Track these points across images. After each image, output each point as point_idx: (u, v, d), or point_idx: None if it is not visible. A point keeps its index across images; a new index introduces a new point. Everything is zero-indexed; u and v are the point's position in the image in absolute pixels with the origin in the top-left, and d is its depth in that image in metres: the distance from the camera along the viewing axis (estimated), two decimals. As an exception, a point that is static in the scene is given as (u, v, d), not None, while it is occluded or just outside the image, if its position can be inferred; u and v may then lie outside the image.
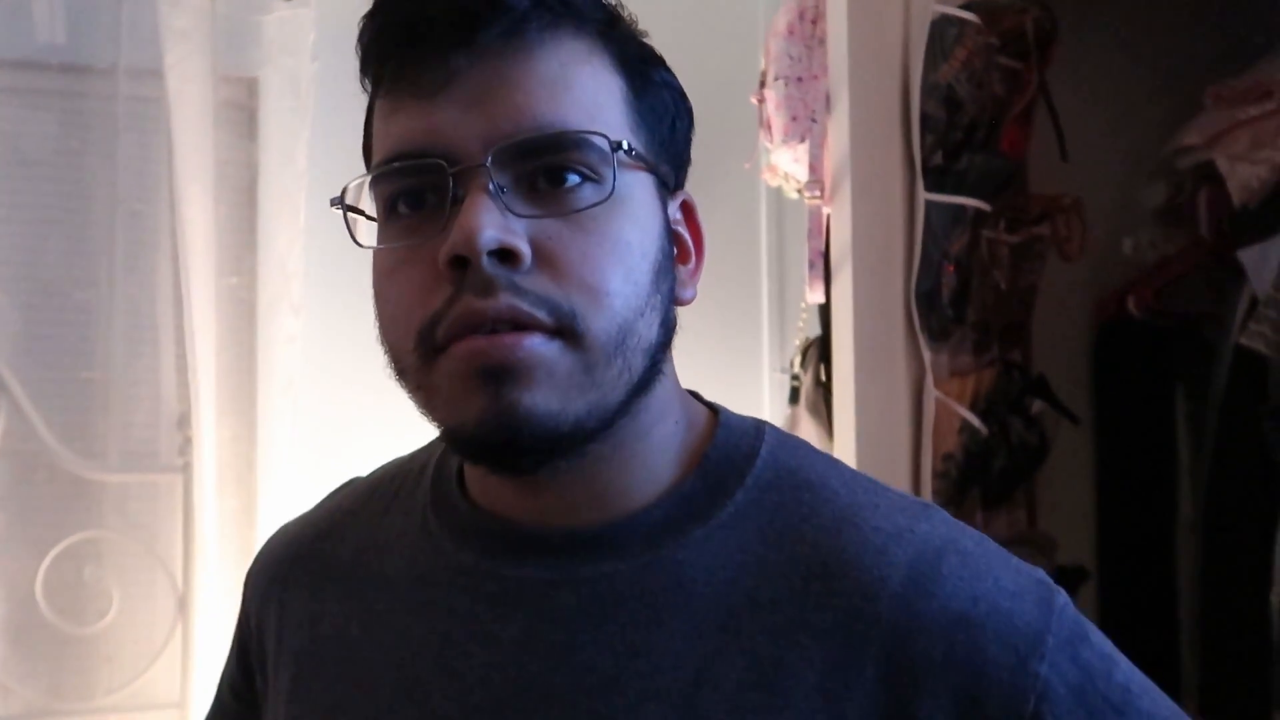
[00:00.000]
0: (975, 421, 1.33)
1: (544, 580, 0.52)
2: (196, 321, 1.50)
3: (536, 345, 0.46)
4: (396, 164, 0.49)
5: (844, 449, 1.24)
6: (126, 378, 1.54)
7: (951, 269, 1.33)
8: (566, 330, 0.47)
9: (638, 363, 0.49)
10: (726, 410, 0.57)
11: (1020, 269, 1.50)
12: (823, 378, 1.38)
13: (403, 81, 0.49)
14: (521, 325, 0.46)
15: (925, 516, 0.53)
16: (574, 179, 0.48)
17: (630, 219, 0.49)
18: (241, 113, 1.60)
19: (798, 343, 1.47)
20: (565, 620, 0.51)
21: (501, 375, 0.46)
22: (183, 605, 1.49)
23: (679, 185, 0.56)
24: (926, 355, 1.28)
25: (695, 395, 0.58)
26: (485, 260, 0.46)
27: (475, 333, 0.47)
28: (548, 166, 0.48)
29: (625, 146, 0.49)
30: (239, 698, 0.64)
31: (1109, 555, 1.57)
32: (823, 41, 1.29)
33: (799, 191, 1.35)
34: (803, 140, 1.30)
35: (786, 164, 1.37)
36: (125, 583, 1.50)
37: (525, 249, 0.47)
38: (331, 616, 0.57)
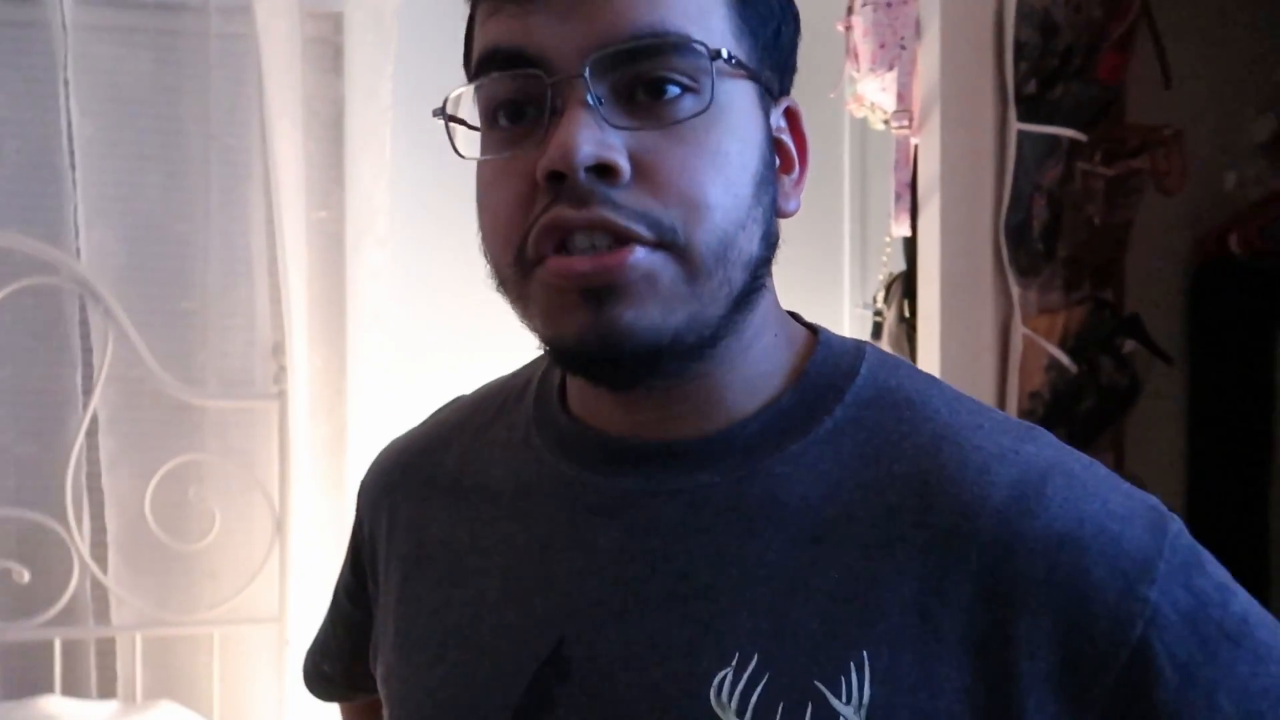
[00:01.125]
0: (1064, 359, 1.30)
1: (641, 491, 0.53)
2: (288, 253, 1.54)
3: (640, 259, 0.47)
4: (495, 73, 0.49)
5: (927, 384, 1.22)
6: (223, 308, 1.60)
7: (1043, 202, 1.29)
8: (667, 244, 0.47)
9: (738, 276, 0.49)
10: (827, 330, 0.57)
11: (1115, 203, 1.45)
12: (906, 314, 1.36)
13: None
14: (621, 239, 0.47)
15: (1031, 438, 0.52)
16: (674, 90, 0.47)
17: (730, 130, 0.49)
18: (327, 48, 1.63)
19: (881, 278, 1.45)
20: (661, 529, 0.52)
21: (603, 293, 0.47)
22: (279, 526, 1.56)
23: (784, 92, 0.54)
24: (1015, 291, 1.25)
25: (795, 316, 0.58)
26: (582, 176, 0.46)
27: (565, 247, 0.47)
28: (646, 76, 0.47)
29: (725, 55, 0.48)
30: (354, 601, 0.67)
31: (1199, 500, 1.53)
32: (914, -35, 1.25)
33: (886, 122, 1.32)
34: (891, 68, 1.27)
35: (873, 93, 1.33)
36: (226, 504, 1.57)
37: (624, 163, 0.46)
38: (438, 523, 0.60)
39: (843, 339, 0.57)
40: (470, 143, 0.52)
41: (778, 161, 0.53)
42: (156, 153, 1.60)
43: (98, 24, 1.56)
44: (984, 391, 1.25)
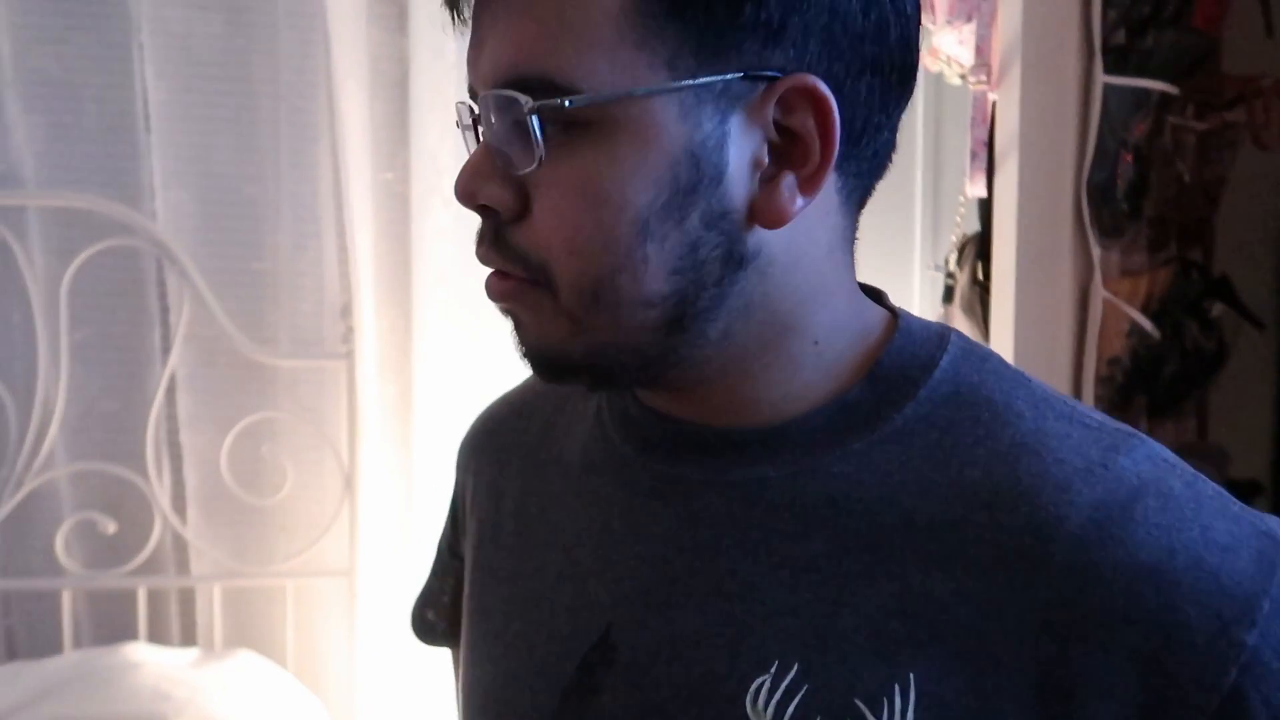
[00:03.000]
0: (1146, 324, 1.24)
1: (696, 479, 0.51)
2: (355, 215, 1.56)
3: (512, 290, 0.48)
4: (460, 101, 0.52)
5: (1000, 351, 1.18)
6: (293, 269, 1.62)
7: (1129, 158, 1.23)
8: (541, 281, 0.47)
9: (637, 315, 0.47)
10: (909, 315, 0.53)
11: (1208, 159, 1.38)
12: (980, 276, 1.31)
13: (457, 8, 0.50)
14: (504, 274, 0.48)
15: (1128, 449, 0.46)
16: (537, 130, 0.45)
17: (609, 165, 0.45)
18: (393, 6, 1.62)
19: (954, 238, 1.40)
20: (712, 521, 0.50)
21: (510, 315, 0.50)
22: (349, 482, 1.59)
23: (798, 64, 0.45)
24: (1096, 252, 1.20)
25: (875, 295, 0.54)
26: (477, 209, 0.48)
27: None
28: (518, 117, 0.45)
29: (567, 104, 0.44)
30: (453, 553, 0.68)
31: (1288, 471, 1.47)
32: (996, -92, 1.18)
33: (962, 77, 1.27)
34: (969, 20, 1.22)
35: (950, 46, 1.28)
36: (298, 460, 1.61)
37: (505, 202, 0.47)
38: (513, 492, 0.60)
39: (926, 325, 0.52)
40: None
41: (766, 162, 0.47)
42: (228, 115, 1.62)
43: (171, -13, 1.58)
44: (1060, 356, 1.21)
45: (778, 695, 0.46)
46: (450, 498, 0.68)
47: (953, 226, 1.42)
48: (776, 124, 0.46)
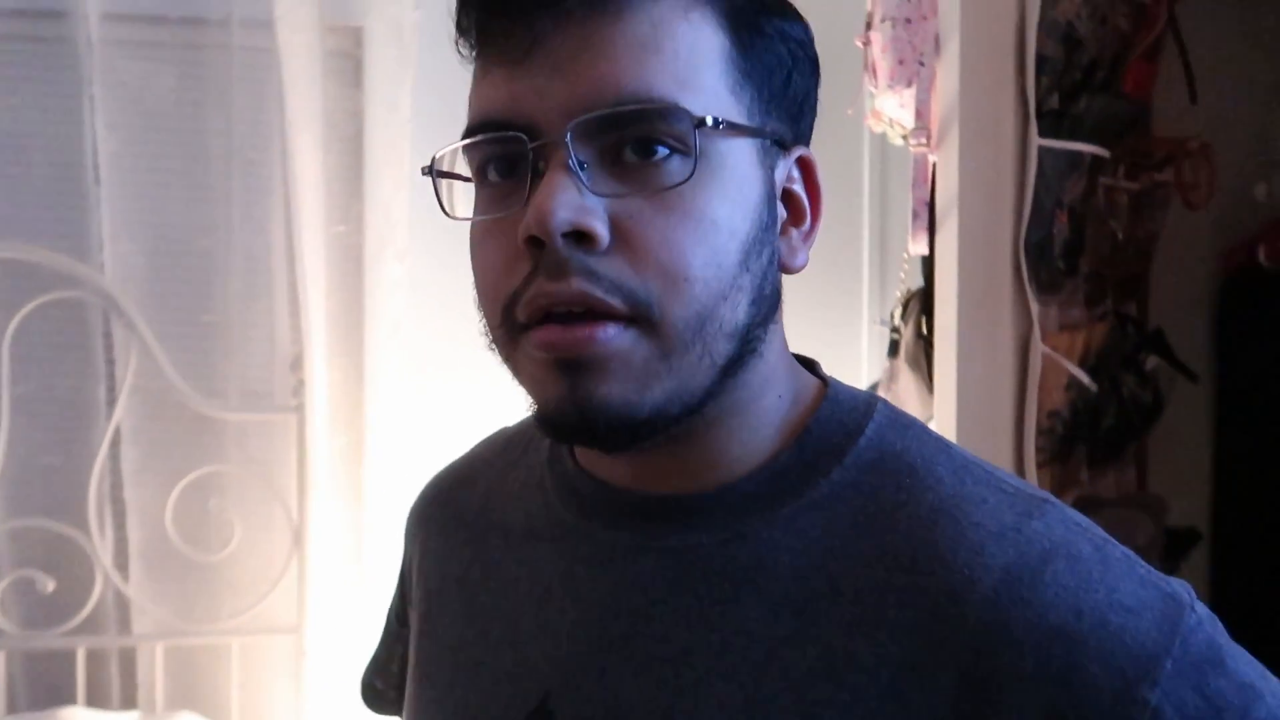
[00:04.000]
0: (1084, 378, 1.28)
1: (632, 545, 0.52)
2: (307, 267, 1.56)
3: (610, 337, 0.46)
4: (480, 135, 0.48)
5: (944, 404, 1.21)
6: (244, 321, 1.61)
7: (1065, 218, 1.27)
8: (642, 318, 0.46)
9: (721, 347, 0.47)
10: (838, 384, 0.55)
11: (1140, 217, 1.43)
12: (924, 330, 1.34)
13: (490, 46, 0.48)
14: (596, 313, 0.45)
15: (1040, 513, 0.48)
16: (663, 151, 0.46)
17: (721, 194, 0.47)
18: (348, 61, 1.64)
19: (899, 294, 1.44)
20: (646, 586, 0.51)
21: (576, 367, 0.46)
22: (298, 537, 1.57)
23: (799, 140, 0.52)
24: (1035, 308, 1.23)
25: (808, 364, 0.56)
26: (559, 242, 0.45)
27: (550, 318, 0.46)
28: (632, 137, 0.46)
29: (712, 121, 0.46)
30: (401, 622, 0.69)
31: (1224, 517, 1.51)
32: (934, -21, 1.23)
33: (904, 138, 1.31)
34: (910, 84, 1.26)
35: (892, 109, 1.32)
36: (246, 514, 1.58)
37: (601, 231, 0.45)
38: (458, 559, 0.60)
39: (854, 393, 0.54)
40: (466, 196, 0.52)
41: (784, 215, 0.51)
42: (180, 167, 1.62)
43: (122, 39, 1.58)
44: (1002, 409, 1.23)
45: None
46: (399, 568, 0.68)
47: (897, 282, 1.45)
48: (781, 188, 0.52)
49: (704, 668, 0.49)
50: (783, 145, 0.51)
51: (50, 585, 1.51)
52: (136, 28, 1.59)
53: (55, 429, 1.59)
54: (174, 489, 1.54)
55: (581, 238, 0.45)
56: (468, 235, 0.51)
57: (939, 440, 0.53)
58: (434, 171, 0.51)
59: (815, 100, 0.54)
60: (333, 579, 1.57)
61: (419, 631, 0.61)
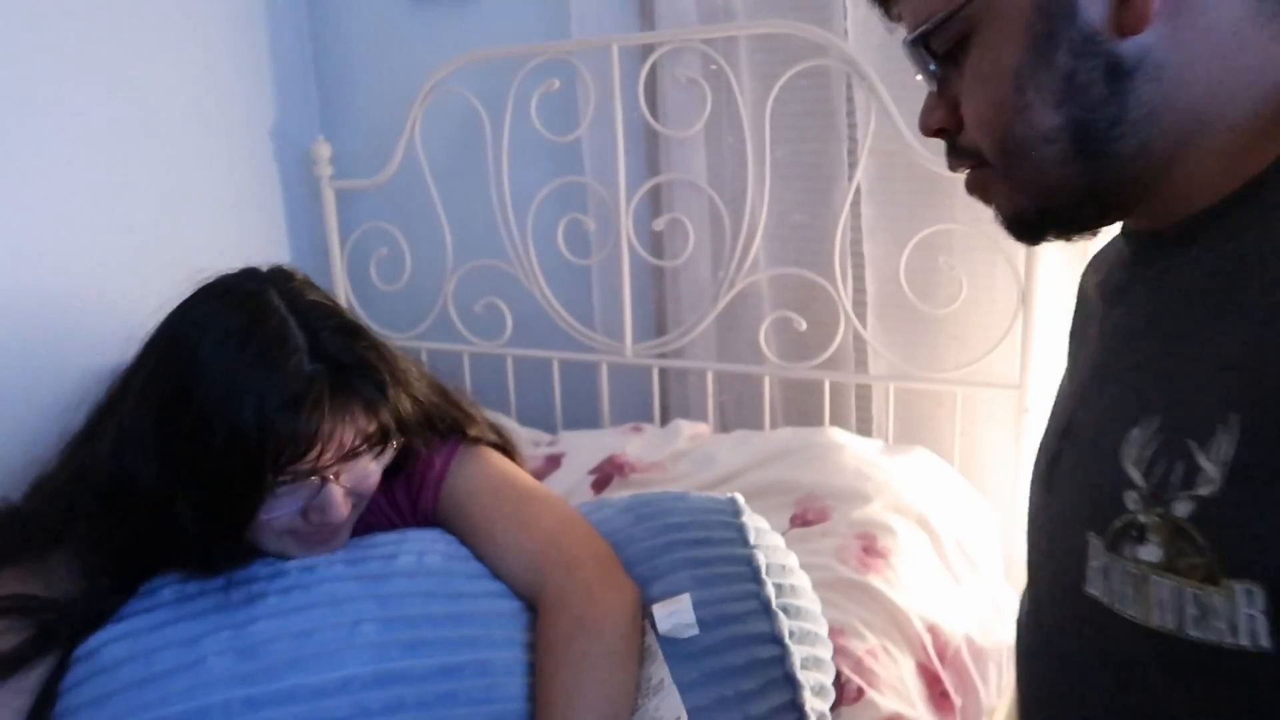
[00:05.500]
0: None
1: (1130, 280, 0.64)
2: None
3: (971, 181, 0.65)
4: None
5: None
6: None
7: None
8: (983, 160, 0.63)
9: (1043, 150, 0.58)
10: None
11: None
12: None
13: None
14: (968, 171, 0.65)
15: None
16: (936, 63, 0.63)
17: (986, 52, 0.59)
18: None
19: None
20: (1142, 311, 0.61)
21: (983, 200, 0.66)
22: (1024, 296, 1.58)
23: None
24: None
25: None
26: (935, 135, 0.66)
27: None
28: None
29: (932, 25, 0.62)
30: None
31: None
32: None
33: None
34: None
35: None
36: (973, 273, 1.63)
37: (949, 123, 0.64)
38: (1079, 315, 0.77)
39: None
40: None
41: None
42: None
43: None
44: None
45: (1141, 442, 0.56)
46: None
47: None
48: None
49: (1155, 370, 0.58)
50: None
51: (803, 325, 1.75)
52: None
53: (805, 189, 1.78)
54: (907, 245, 1.64)
55: (941, 130, 0.69)
56: None
57: None
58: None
59: None
60: (1055, 340, 1.56)
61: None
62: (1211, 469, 0.50)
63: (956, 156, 0.65)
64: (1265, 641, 0.49)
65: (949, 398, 1.70)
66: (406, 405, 1.00)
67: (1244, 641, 0.50)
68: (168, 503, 0.89)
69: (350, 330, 0.96)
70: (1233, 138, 0.55)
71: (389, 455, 1.00)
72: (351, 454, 0.94)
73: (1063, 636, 0.63)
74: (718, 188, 1.80)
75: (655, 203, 1.87)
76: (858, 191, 1.70)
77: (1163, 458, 0.53)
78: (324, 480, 0.93)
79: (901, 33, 0.66)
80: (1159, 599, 0.53)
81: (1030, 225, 0.63)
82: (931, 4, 0.61)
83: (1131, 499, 0.55)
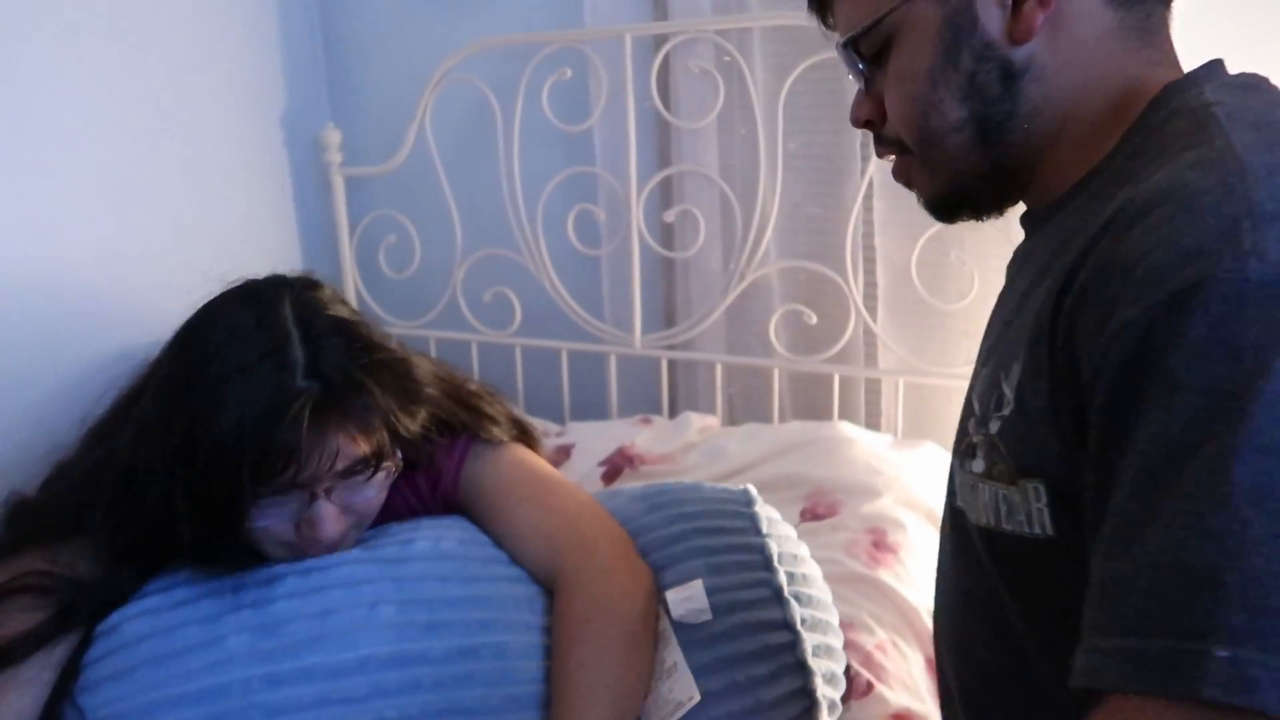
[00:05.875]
0: None
1: (1019, 255, 0.79)
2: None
3: (896, 166, 0.77)
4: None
5: None
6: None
7: None
8: (905, 148, 0.74)
9: (953, 139, 0.70)
10: (1188, 88, 0.65)
11: None
12: None
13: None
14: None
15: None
16: (864, 64, 0.75)
17: (904, 56, 0.71)
18: None
19: None
20: (1015, 283, 0.75)
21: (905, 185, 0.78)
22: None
23: None
24: None
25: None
26: (862, 127, 0.78)
27: None
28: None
29: (865, 28, 0.72)
30: None
31: None
32: None
33: None
34: None
35: None
36: (985, 268, 1.63)
37: (875, 115, 0.76)
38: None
39: (1191, 99, 0.63)
40: None
41: (996, 12, 0.68)
42: None
43: None
44: None
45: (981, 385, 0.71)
46: None
47: None
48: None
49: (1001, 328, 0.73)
50: None
51: (813, 318, 1.75)
52: None
53: (817, 182, 1.78)
54: (919, 239, 1.64)
55: (869, 122, 0.81)
56: None
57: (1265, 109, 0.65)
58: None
59: None
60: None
61: None
62: (1009, 393, 0.63)
63: (883, 145, 0.76)
64: (1051, 529, 0.61)
65: (959, 393, 1.70)
66: (411, 427, 0.98)
67: (1036, 530, 0.62)
68: (169, 499, 0.89)
69: (359, 350, 0.93)
70: (1087, 131, 0.68)
71: (387, 478, 0.99)
72: (343, 474, 0.92)
73: (945, 540, 0.79)
74: (729, 179, 1.80)
75: (666, 194, 1.87)
76: (870, 185, 1.70)
77: (993, 390, 0.66)
78: (313, 496, 0.92)
79: (835, 37, 0.78)
80: (983, 501, 0.67)
81: (947, 205, 0.75)
82: (860, 13, 0.72)
83: (972, 424, 0.69)
